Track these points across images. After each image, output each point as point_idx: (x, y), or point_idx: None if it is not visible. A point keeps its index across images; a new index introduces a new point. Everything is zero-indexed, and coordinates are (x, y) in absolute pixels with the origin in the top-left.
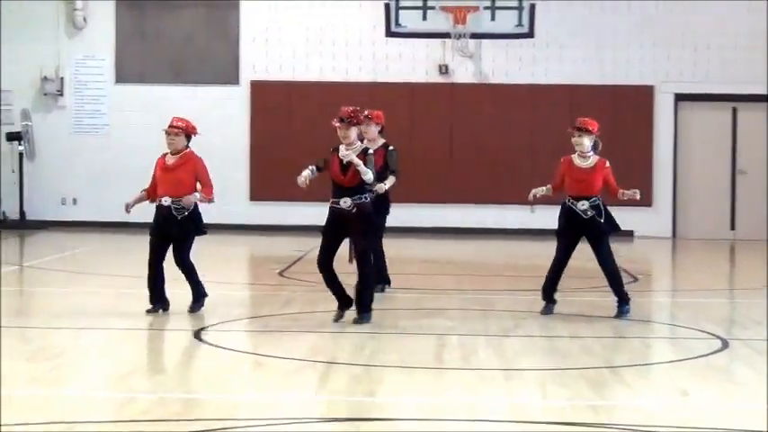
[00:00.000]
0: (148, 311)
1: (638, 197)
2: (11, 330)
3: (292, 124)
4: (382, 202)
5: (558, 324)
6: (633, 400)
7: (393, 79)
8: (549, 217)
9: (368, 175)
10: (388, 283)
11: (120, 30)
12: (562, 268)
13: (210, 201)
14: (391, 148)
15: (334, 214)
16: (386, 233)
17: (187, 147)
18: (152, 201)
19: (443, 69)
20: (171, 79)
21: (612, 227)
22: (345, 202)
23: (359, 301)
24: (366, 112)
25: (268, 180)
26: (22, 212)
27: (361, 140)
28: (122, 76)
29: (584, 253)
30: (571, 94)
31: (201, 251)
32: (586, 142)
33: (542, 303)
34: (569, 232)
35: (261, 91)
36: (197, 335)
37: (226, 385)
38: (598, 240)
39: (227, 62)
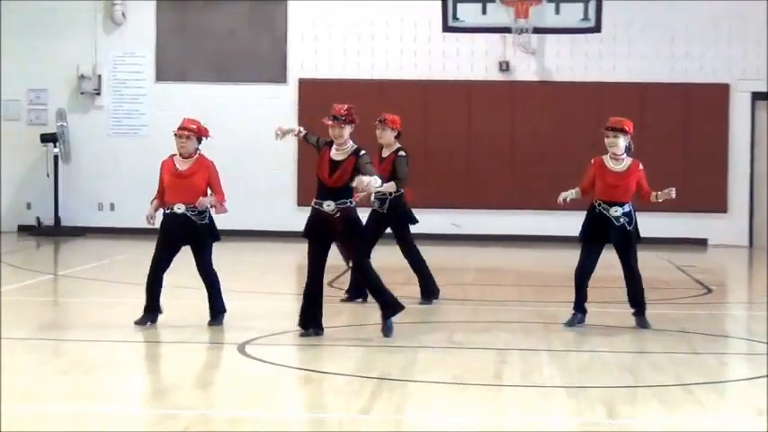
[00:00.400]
0: (138, 323)
1: (673, 195)
2: (45, 343)
3: None
4: (404, 212)
5: (626, 338)
6: (707, 420)
7: (450, 77)
8: None
9: (377, 183)
10: (437, 294)
11: (160, 25)
12: (589, 277)
13: (224, 211)
14: (402, 153)
15: (318, 216)
16: (434, 240)
17: (197, 150)
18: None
19: (504, 66)
20: (214, 77)
21: (639, 236)
22: (329, 206)
23: (382, 312)
24: (382, 117)
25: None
26: (56, 218)
27: (381, 147)
28: (163, 73)
29: (650, 261)
30: (640, 93)
31: (245, 259)
32: (621, 143)
33: (606, 315)
34: (597, 239)
35: (309, 89)
36: (241, 348)
37: (272, 402)
38: (627, 248)
39: (274, 59)
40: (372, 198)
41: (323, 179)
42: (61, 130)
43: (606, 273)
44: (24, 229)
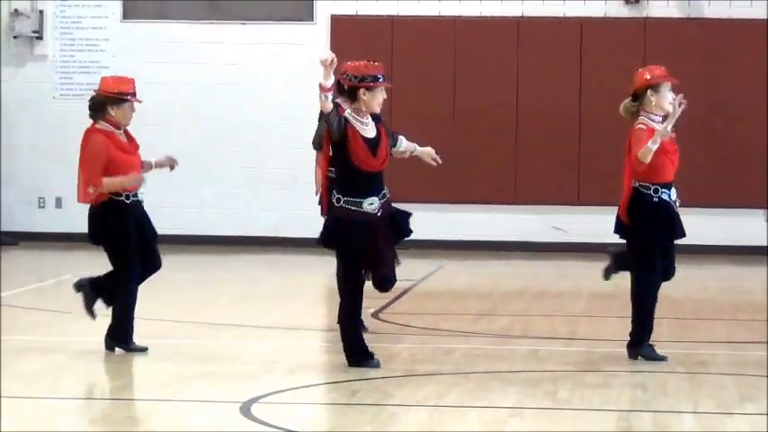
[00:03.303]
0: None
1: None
2: None
3: (394, 81)
4: None
5: None
6: None
7: (552, 13)
8: None
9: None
10: None
11: None
12: None
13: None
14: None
15: (355, 221)
16: (527, 250)
17: None
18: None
19: None
20: (206, 14)
21: None
22: (372, 205)
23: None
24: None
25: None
26: None
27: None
28: (133, 9)
29: None
30: None
31: (257, 278)
32: None
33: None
34: (665, 241)
35: (346, 31)
36: (245, 409)
37: None
38: (673, 244)
39: None
40: None
41: (368, 166)
42: None
43: None
44: None
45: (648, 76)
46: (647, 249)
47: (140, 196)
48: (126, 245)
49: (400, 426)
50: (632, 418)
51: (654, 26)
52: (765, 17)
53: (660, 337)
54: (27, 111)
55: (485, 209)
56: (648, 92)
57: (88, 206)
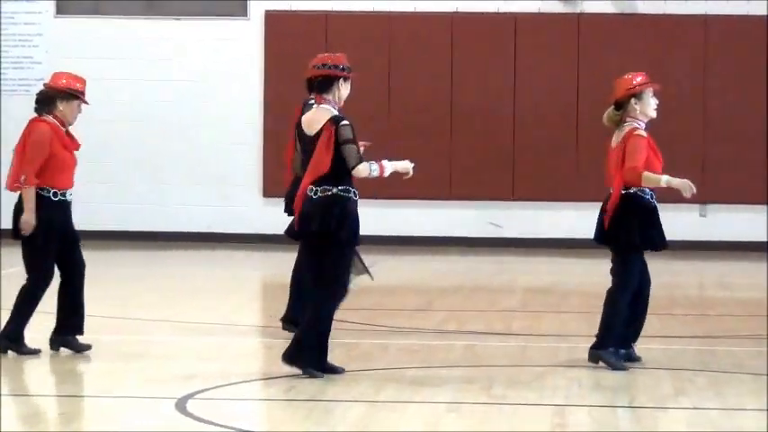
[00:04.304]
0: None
1: None
2: None
3: None
4: None
5: (739, 389)
6: None
7: (486, 8)
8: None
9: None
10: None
11: None
12: None
13: None
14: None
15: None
16: (463, 246)
17: None
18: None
19: None
20: (141, 11)
21: None
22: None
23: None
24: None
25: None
26: None
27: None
28: (67, 5)
29: None
30: None
31: (189, 274)
32: None
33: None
34: (651, 246)
35: (281, 27)
36: (180, 405)
37: None
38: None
39: None
40: None
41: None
42: None
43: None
44: None
45: (630, 84)
46: (632, 254)
47: (69, 197)
48: (44, 245)
49: (336, 421)
50: (568, 413)
51: (588, 22)
52: (699, 12)
53: (595, 331)
54: None
55: (420, 204)
56: (632, 100)
57: (14, 200)
